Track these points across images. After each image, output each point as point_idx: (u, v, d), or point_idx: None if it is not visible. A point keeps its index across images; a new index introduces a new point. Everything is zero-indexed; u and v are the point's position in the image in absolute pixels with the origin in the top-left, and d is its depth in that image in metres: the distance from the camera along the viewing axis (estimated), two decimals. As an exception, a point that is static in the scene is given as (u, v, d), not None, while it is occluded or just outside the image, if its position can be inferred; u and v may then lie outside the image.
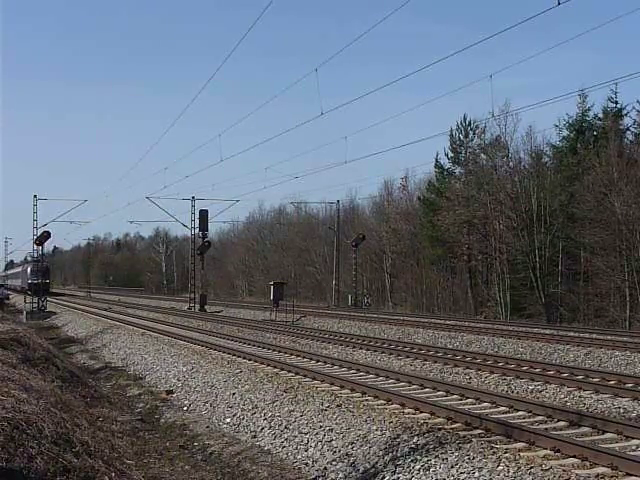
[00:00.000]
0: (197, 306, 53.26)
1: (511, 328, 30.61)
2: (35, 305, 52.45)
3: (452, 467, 8.92)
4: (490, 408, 13.04)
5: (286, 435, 11.99)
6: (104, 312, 47.91)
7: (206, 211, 54.43)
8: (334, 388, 15.15)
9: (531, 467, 8.46)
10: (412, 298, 58.69)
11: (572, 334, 26.98)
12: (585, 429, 11.11)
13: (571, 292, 44.25)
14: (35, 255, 57.04)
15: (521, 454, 9.11)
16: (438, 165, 57.64)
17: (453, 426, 11.14)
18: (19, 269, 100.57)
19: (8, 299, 71.53)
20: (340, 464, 10.23)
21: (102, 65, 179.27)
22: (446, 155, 56.84)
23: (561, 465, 8.66)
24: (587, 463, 8.85)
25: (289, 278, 70.42)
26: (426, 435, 10.15)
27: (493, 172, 49.70)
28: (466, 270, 53.87)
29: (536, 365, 18.74)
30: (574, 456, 9.10)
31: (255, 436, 12.54)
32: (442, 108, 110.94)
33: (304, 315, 41.14)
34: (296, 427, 12.14)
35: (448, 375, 18.35)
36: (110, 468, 8.13)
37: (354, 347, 24.90)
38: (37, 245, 54.05)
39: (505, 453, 9.14)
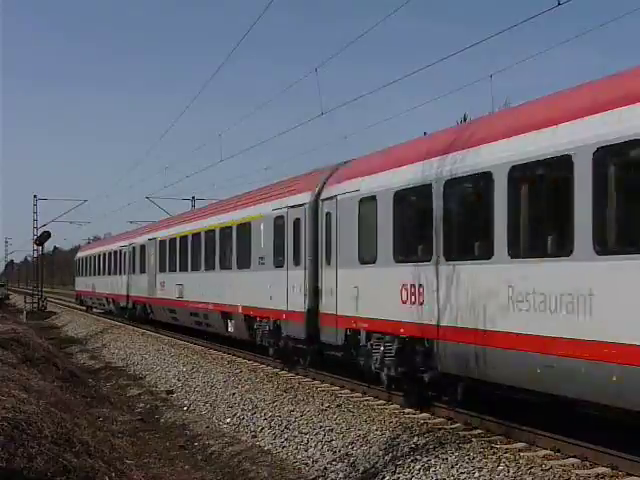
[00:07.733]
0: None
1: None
2: (35, 305, 52.38)
3: (452, 467, 8.92)
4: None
5: (286, 435, 11.99)
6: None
7: (206, 211, 54.29)
8: (334, 388, 15.14)
9: (531, 467, 8.47)
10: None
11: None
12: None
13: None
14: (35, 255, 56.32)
15: (521, 454, 9.12)
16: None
17: (453, 426, 11.14)
18: None
19: (8, 299, 71.46)
20: (340, 464, 10.23)
21: (102, 65, 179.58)
22: (446, 155, 56.85)
23: (561, 465, 8.65)
24: (587, 463, 8.84)
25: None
26: (426, 435, 10.15)
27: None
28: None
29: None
30: (574, 456, 9.09)
31: (255, 436, 12.53)
32: (442, 108, 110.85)
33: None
34: (296, 427, 12.13)
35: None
36: (110, 468, 8.14)
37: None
38: (37, 245, 53.97)
39: (505, 453, 9.15)
